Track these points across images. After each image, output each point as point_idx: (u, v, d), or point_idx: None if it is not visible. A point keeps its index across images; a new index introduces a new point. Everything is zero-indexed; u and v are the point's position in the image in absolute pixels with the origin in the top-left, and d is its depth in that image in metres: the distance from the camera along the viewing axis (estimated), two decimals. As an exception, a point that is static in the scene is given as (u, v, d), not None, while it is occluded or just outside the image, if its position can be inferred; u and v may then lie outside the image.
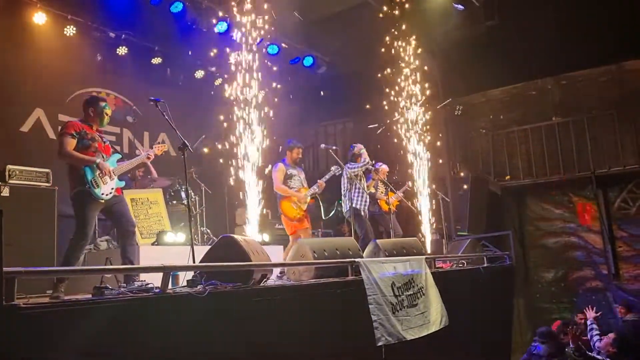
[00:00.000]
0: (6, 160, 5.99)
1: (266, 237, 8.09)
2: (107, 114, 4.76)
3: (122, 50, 8.18)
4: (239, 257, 4.02)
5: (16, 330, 2.54)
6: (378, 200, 8.05)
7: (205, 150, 7.91)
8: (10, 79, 7.15)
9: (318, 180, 6.90)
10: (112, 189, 4.62)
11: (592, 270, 10.05)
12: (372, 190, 7.93)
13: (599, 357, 5.58)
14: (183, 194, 7.17)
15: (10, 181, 5.54)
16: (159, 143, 5.40)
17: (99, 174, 4.50)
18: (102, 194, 4.51)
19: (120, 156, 4.92)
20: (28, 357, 2.59)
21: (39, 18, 7.15)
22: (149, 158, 5.04)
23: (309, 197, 6.76)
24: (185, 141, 4.61)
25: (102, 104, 4.76)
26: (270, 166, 6.71)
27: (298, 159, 6.95)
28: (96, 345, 2.79)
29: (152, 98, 4.66)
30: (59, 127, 4.74)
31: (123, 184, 4.84)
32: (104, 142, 4.79)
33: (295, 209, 6.67)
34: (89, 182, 4.43)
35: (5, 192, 5.46)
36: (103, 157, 4.67)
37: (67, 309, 2.84)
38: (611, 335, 5.80)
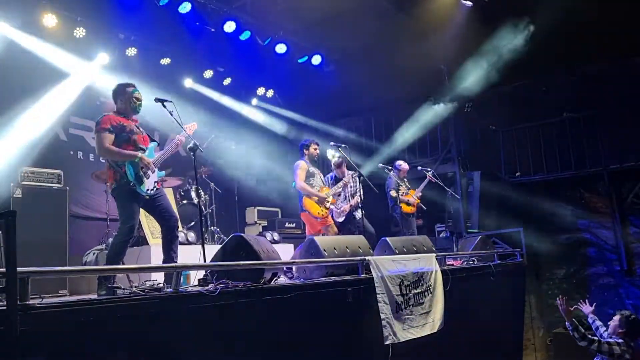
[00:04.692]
0: (18, 162, 6.05)
1: (276, 236, 8.13)
2: (137, 99, 4.51)
3: (131, 51, 8.24)
4: (249, 256, 4.03)
5: (30, 330, 2.56)
6: (400, 203, 7.65)
7: None
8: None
9: (343, 179, 6.75)
10: (155, 182, 4.47)
11: (605, 266, 9.96)
12: (393, 193, 7.64)
13: (611, 339, 5.44)
14: (193, 194, 7.21)
15: (23, 182, 5.61)
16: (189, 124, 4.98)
17: (142, 169, 4.32)
18: (147, 189, 4.35)
19: (157, 144, 4.71)
20: (42, 356, 2.62)
21: (49, 20, 7.20)
22: (180, 142, 4.72)
23: (331, 197, 6.58)
24: (196, 142, 4.53)
25: (130, 89, 4.52)
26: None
27: (316, 156, 6.75)
28: (108, 344, 2.82)
29: (159, 98, 4.50)
30: (95, 123, 4.42)
31: (163, 174, 4.67)
32: (142, 133, 4.58)
33: (319, 206, 6.48)
34: (133, 180, 4.25)
35: (18, 193, 5.52)
36: (143, 149, 4.46)
37: (80, 308, 2.85)
38: (615, 318, 5.65)
